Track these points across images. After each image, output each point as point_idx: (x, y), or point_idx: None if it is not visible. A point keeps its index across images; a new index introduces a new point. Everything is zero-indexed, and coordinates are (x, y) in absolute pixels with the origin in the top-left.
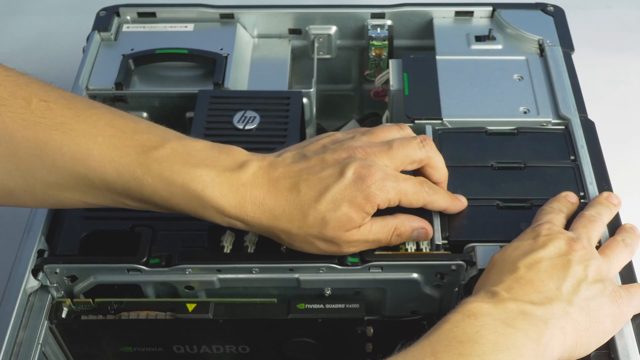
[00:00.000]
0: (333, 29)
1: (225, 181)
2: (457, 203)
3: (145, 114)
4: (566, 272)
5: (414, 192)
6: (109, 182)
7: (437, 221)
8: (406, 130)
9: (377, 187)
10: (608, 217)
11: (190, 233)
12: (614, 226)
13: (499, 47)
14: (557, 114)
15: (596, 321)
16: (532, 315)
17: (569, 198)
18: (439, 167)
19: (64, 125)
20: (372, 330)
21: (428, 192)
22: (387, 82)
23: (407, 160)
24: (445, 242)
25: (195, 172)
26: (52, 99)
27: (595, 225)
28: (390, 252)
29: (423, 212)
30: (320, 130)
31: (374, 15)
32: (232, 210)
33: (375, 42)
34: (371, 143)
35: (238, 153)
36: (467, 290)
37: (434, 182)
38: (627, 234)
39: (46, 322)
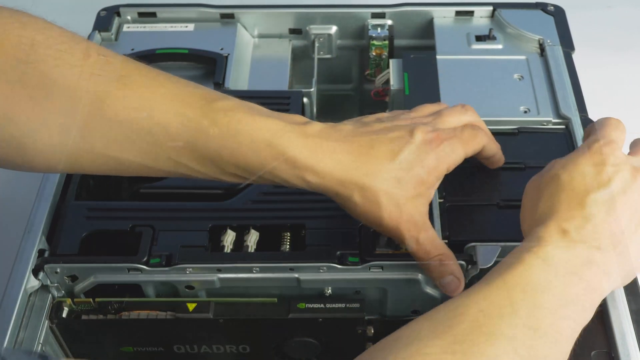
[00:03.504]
0: (333, 29)
1: (295, 131)
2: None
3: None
4: (632, 210)
5: (473, 136)
6: (173, 136)
7: (437, 221)
8: (442, 105)
9: (446, 146)
10: None
11: (190, 233)
12: None
13: (500, 46)
14: (558, 113)
15: None
16: (596, 264)
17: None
18: (486, 129)
19: (125, 78)
20: (372, 330)
21: (485, 131)
22: (387, 81)
23: (459, 124)
24: (446, 241)
25: (264, 121)
26: (110, 54)
27: None
28: (390, 252)
29: None
30: None
31: (374, 15)
32: (304, 160)
33: (375, 42)
34: (421, 115)
35: (298, 116)
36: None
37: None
38: None
39: (47, 321)
